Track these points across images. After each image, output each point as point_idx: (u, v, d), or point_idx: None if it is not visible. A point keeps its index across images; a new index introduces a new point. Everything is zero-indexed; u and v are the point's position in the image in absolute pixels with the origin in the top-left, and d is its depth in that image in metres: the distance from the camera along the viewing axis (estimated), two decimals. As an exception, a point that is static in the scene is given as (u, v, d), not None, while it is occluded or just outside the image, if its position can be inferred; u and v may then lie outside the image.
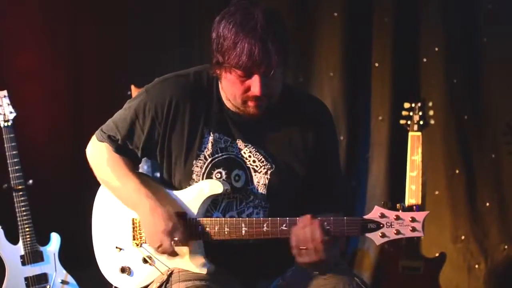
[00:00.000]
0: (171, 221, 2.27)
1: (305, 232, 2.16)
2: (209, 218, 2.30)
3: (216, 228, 2.28)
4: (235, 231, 2.26)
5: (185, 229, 2.28)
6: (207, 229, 2.28)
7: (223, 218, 2.30)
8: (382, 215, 2.16)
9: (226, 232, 2.27)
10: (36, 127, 4.16)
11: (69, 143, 4.19)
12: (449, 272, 4.17)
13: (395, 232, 2.15)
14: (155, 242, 2.30)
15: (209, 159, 2.34)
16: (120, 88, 4.02)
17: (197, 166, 2.34)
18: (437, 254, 4.02)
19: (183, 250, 2.32)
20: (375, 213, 2.16)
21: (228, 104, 2.34)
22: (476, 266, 4.30)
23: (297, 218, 2.21)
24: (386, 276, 4.00)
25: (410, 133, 3.97)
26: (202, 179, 2.34)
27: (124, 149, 2.41)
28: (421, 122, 3.97)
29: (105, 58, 4.32)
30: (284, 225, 2.22)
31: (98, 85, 4.35)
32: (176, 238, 2.26)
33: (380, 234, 2.16)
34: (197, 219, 2.30)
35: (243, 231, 2.26)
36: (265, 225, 2.23)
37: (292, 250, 2.19)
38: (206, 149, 2.34)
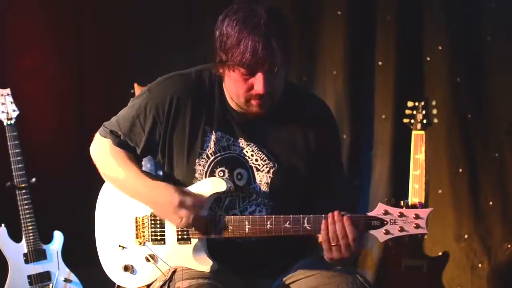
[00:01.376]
0: (176, 194, 2.25)
1: (337, 228, 2.16)
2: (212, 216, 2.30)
3: (220, 226, 2.28)
4: (239, 228, 2.26)
5: (192, 200, 2.26)
6: (210, 226, 2.28)
7: (227, 216, 2.29)
8: (386, 212, 2.16)
9: (229, 230, 2.27)
10: (39, 125, 4.16)
11: (72, 142, 4.19)
12: (452, 271, 4.16)
13: (399, 229, 2.15)
14: (174, 220, 2.27)
15: (212, 158, 2.34)
16: (123, 86, 4.02)
17: (199, 165, 2.34)
18: (440, 253, 4.01)
19: (187, 248, 2.31)
20: (378, 210, 2.17)
21: (231, 104, 2.34)
22: (479, 265, 4.29)
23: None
24: (389, 275, 4.00)
25: (414, 132, 3.96)
26: (205, 177, 2.33)
27: (126, 143, 2.42)
28: (425, 121, 3.96)
29: (107, 57, 4.32)
30: (287, 222, 2.22)
31: (101, 84, 4.35)
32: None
33: (384, 231, 2.16)
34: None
35: (247, 229, 2.25)
36: (268, 223, 2.23)
37: (321, 245, 2.18)
38: (209, 148, 2.34)
